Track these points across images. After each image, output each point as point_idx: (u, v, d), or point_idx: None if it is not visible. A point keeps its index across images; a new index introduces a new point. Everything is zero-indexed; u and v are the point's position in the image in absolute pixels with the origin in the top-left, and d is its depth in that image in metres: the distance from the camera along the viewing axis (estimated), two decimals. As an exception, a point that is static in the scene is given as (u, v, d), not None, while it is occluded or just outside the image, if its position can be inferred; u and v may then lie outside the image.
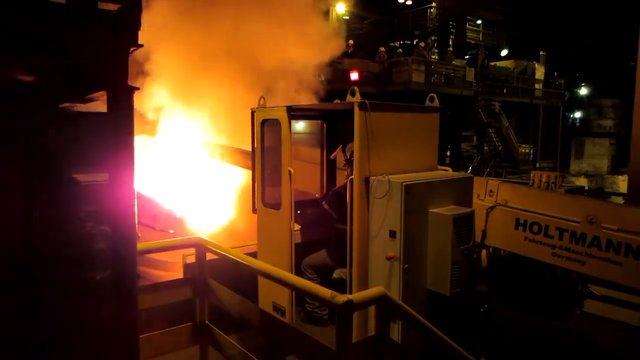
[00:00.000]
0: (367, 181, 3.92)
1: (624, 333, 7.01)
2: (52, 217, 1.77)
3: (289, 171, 4.38)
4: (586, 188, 17.38)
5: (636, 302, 7.23)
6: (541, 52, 32.80)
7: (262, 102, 4.74)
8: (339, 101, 4.77)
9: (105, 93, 1.67)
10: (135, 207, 1.74)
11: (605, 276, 4.68)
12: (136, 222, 1.77)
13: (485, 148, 25.23)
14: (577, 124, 41.06)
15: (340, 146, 4.84)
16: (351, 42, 21.48)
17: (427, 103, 4.54)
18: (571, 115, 41.78)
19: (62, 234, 1.79)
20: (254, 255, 4.81)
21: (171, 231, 8.94)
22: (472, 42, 29.49)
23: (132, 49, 1.63)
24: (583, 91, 41.94)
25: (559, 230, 4.69)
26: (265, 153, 4.77)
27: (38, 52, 1.56)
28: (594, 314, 7.17)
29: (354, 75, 17.83)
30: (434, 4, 25.43)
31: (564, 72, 38.27)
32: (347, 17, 27.36)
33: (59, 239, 1.77)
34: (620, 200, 13.76)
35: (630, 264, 4.26)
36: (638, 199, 8.62)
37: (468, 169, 23.14)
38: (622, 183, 25.74)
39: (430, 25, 26.73)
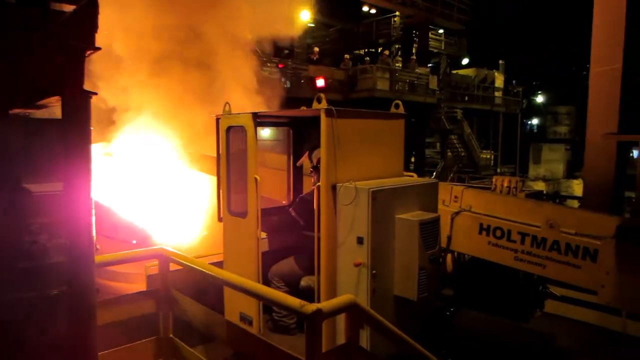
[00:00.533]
0: (334, 188, 3.90)
1: (582, 331, 7.24)
2: (2, 229, 1.68)
3: (255, 178, 4.32)
4: (544, 192, 17.90)
5: (593, 302, 7.48)
6: (500, 61, 33.76)
7: (227, 108, 4.66)
8: (305, 108, 4.75)
9: (59, 98, 1.59)
10: (93, 218, 1.66)
11: (565, 279, 4.81)
12: (94, 234, 1.68)
13: (449, 154, 25.71)
14: (535, 131, 42.37)
15: (307, 153, 4.81)
16: (316, 49, 21.58)
17: (393, 110, 4.56)
18: (529, 122, 43.08)
19: (13, 247, 1.70)
20: (219, 264, 4.72)
21: (134, 241, 8.70)
22: (435, 50, 30.12)
23: (88, 52, 1.56)
24: (540, 99, 43.38)
25: (521, 234, 4.79)
26: (230, 160, 4.69)
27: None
28: (554, 314, 7.39)
29: (320, 82, 17.85)
30: (397, 13, 25.82)
31: (522, 81, 39.55)
32: (312, 25, 27.52)
33: (8, 253, 1.68)
34: (575, 203, 14.22)
35: (588, 266, 4.38)
36: (592, 201, 8.94)
37: (432, 175, 23.54)
38: (576, 187, 26.67)
39: (394, 34, 27.15)
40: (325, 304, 2.39)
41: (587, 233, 4.43)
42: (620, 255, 4.15)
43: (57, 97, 1.64)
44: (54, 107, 1.89)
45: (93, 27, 1.56)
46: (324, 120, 3.80)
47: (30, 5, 1.51)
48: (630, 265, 4.09)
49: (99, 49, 1.56)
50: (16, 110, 1.95)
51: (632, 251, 4.07)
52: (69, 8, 1.57)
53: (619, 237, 4.18)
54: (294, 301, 2.40)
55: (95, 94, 1.57)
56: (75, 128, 1.55)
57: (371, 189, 3.73)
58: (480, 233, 5.03)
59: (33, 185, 1.71)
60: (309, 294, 4.22)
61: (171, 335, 3.74)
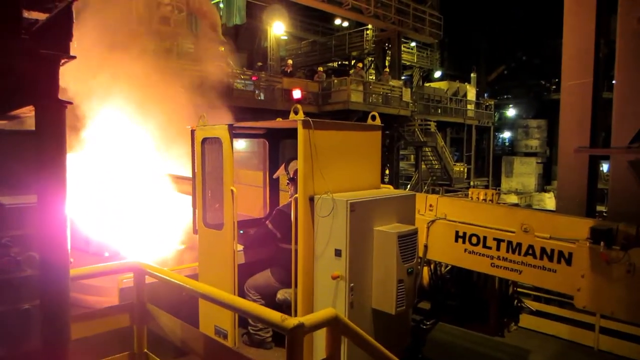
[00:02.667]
0: (311, 199, 3.89)
1: (556, 346, 7.37)
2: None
3: (232, 190, 4.28)
4: (519, 205, 18.25)
5: (566, 317, 7.63)
6: (472, 75, 34.46)
7: (202, 120, 4.62)
8: (281, 119, 4.73)
9: (33, 108, 1.54)
10: (68, 231, 1.61)
11: (541, 284, 4.83)
12: (69, 247, 1.63)
13: (423, 166, 25.99)
14: (507, 144, 43.26)
15: (283, 165, 4.79)
16: (290, 61, 21.67)
17: (370, 121, 4.59)
18: (501, 136, 43.97)
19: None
20: (194, 277, 4.63)
21: (106, 254, 8.50)
22: (407, 63, 30.60)
23: (63, 60, 1.52)
24: (511, 112, 44.34)
25: (497, 240, 4.80)
26: (206, 172, 4.64)
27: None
28: (528, 328, 7.49)
29: (297, 94, 17.80)
30: (370, 27, 26.16)
31: (493, 94, 40.45)
32: (285, 38, 27.65)
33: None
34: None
35: (563, 270, 4.40)
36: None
37: (406, 187, 23.74)
38: (548, 200, 27.32)
39: (367, 47, 27.47)
40: (307, 318, 2.35)
41: (561, 237, 4.47)
42: (594, 257, 4.18)
43: (30, 107, 1.60)
44: (26, 118, 1.84)
45: (67, 35, 1.52)
46: (301, 131, 3.79)
47: (2, 12, 1.46)
48: (605, 268, 4.11)
49: (74, 57, 1.53)
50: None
51: (606, 253, 4.09)
52: (42, 16, 1.53)
53: (593, 239, 4.20)
54: (274, 315, 2.36)
55: (71, 103, 1.53)
56: (50, 139, 1.50)
57: (349, 201, 3.73)
58: (456, 241, 5.04)
59: (5, 198, 1.66)
60: (285, 307, 4.18)
61: (145, 350, 3.65)
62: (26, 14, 1.52)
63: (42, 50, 1.48)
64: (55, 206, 1.52)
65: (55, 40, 1.50)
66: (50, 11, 1.51)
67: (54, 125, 1.52)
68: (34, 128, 1.53)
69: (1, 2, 1.43)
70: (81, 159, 7.87)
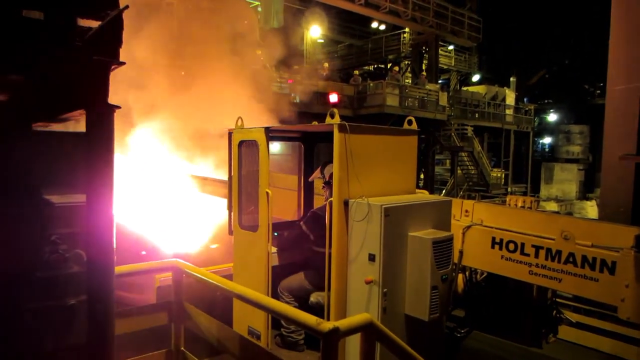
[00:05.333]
0: (346, 203, 3.90)
1: (595, 360, 7.11)
2: (22, 239, 1.70)
3: (267, 192, 4.33)
4: (559, 213, 17.73)
5: (608, 329, 7.36)
6: (511, 79, 33.75)
7: (239, 123, 4.70)
8: (317, 123, 4.77)
9: (83, 112, 1.61)
10: (114, 230, 1.67)
11: (582, 293, 4.68)
12: (114, 245, 1.70)
13: (459, 172, 25.61)
14: (547, 150, 42.14)
15: (319, 168, 4.82)
16: (326, 64, 21.74)
17: (406, 126, 4.57)
18: (540, 141, 42.88)
19: (33, 256, 1.71)
20: (229, 277, 4.71)
21: (143, 252, 8.72)
22: (445, 67, 30.22)
23: (113, 66, 1.58)
24: (552, 117, 43.20)
25: (535, 247, 4.69)
26: (242, 174, 4.72)
27: (13, 71, 1.49)
28: (567, 340, 7.26)
29: (333, 97, 17.84)
30: (407, 30, 25.98)
31: (533, 99, 39.45)
32: (322, 41, 27.75)
33: (29, 262, 1.69)
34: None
35: (606, 279, 4.26)
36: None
37: (441, 193, 23.43)
38: (590, 208, 26.39)
39: (404, 50, 27.28)
40: (342, 322, 2.35)
41: (604, 245, 4.32)
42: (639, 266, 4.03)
43: (80, 111, 1.66)
44: (76, 121, 1.92)
45: (118, 42, 1.58)
46: (337, 135, 3.81)
47: (57, 21, 1.54)
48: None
49: (123, 63, 1.59)
50: (40, 124, 1.98)
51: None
52: (94, 24, 1.60)
53: (639, 248, 4.05)
54: (310, 318, 2.38)
55: (119, 107, 1.59)
56: (99, 141, 1.57)
57: (384, 205, 3.72)
58: (492, 247, 4.95)
59: (54, 197, 1.73)
60: (318, 310, 4.20)
61: (182, 348, 3.73)
62: (80, 22, 1.60)
63: (94, 56, 1.54)
64: (102, 206, 1.58)
65: (107, 47, 1.57)
66: (103, 19, 1.57)
67: (104, 128, 1.58)
68: (84, 130, 1.61)
69: (57, 11, 1.50)
70: (126, 160, 8.11)
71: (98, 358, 1.73)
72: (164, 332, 3.72)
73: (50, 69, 1.56)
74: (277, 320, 4.42)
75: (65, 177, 1.76)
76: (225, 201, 5.05)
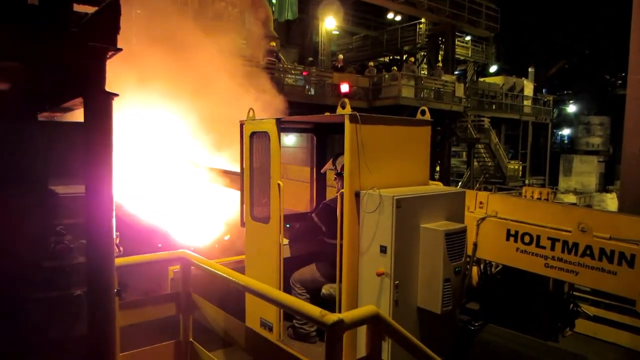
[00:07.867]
0: (357, 195, 3.84)
1: (614, 354, 6.97)
2: (26, 229, 1.68)
3: (278, 184, 4.30)
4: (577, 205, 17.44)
5: (627, 323, 7.21)
6: (530, 69, 33.19)
7: (251, 114, 4.66)
8: (329, 114, 4.71)
9: (82, 100, 1.58)
10: (114, 220, 1.65)
11: (599, 286, 4.59)
12: (114, 236, 1.67)
13: (475, 164, 25.32)
14: (565, 141, 41.46)
15: (331, 159, 4.77)
16: (341, 56, 21.60)
17: (419, 116, 4.49)
18: (559, 133, 42.19)
19: (36, 247, 1.70)
20: (242, 268, 4.70)
21: (159, 245, 8.78)
22: (461, 58, 29.81)
23: (110, 53, 1.55)
24: (571, 108, 42.44)
25: (551, 240, 4.60)
26: (253, 166, 4.69)
27: (6, 58, 1.47)
28: (585, 334, 7.14)
29: (344, 87, 17.69)
30: (423, 20, 25.68)
31: (552, 90, 38.76)
32: (337, 32, 27.59)
33: (33, 253, 1.68)
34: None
35: (625, 272, 4.16)
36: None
37: (458, 185, 23.21)
38: (610, 201, 25.92)
39: (420, 41, 26.98)
40: (346, 315, 2.32)
41: (622, 237, 4.21)
42: None
43: (81, 100, 1.64)
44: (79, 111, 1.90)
45: (115, 28, 1.55)
46: (348, 126, 3.75)
47: (52, 6, 1.51)
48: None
49: (120, 49, 1.55)
50: (44, 114, 1.96)
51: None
52: (90, 9, 1.57)
53: None
54: (314, 310, 2.35)
55: (117, 95, 1.56)
56: (97, 129, 1.54)
57: (395, 197, 3.66)
58: (507, 239, 4.86)
59: (59, 187, 1.71)
60: (330, 302, 4.17)
61: (191, 339, 3.73)
62: (76, 8, 1.56)
63: (90, 42, 1.51)
64: (101, 195, 1.56)
65: (103, 33, 1.54)
66: (99, 5, 1.54)
67: (101, 116, 1.55)
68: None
69: (52, -4, 1.47)
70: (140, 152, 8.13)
71: (101, 346, 1.71)
72: (174, 323, 3.72)
73: (49, 55, 1.53)
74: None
75: (68, 167, 1.74)
76: (238, 193, 5.03)
